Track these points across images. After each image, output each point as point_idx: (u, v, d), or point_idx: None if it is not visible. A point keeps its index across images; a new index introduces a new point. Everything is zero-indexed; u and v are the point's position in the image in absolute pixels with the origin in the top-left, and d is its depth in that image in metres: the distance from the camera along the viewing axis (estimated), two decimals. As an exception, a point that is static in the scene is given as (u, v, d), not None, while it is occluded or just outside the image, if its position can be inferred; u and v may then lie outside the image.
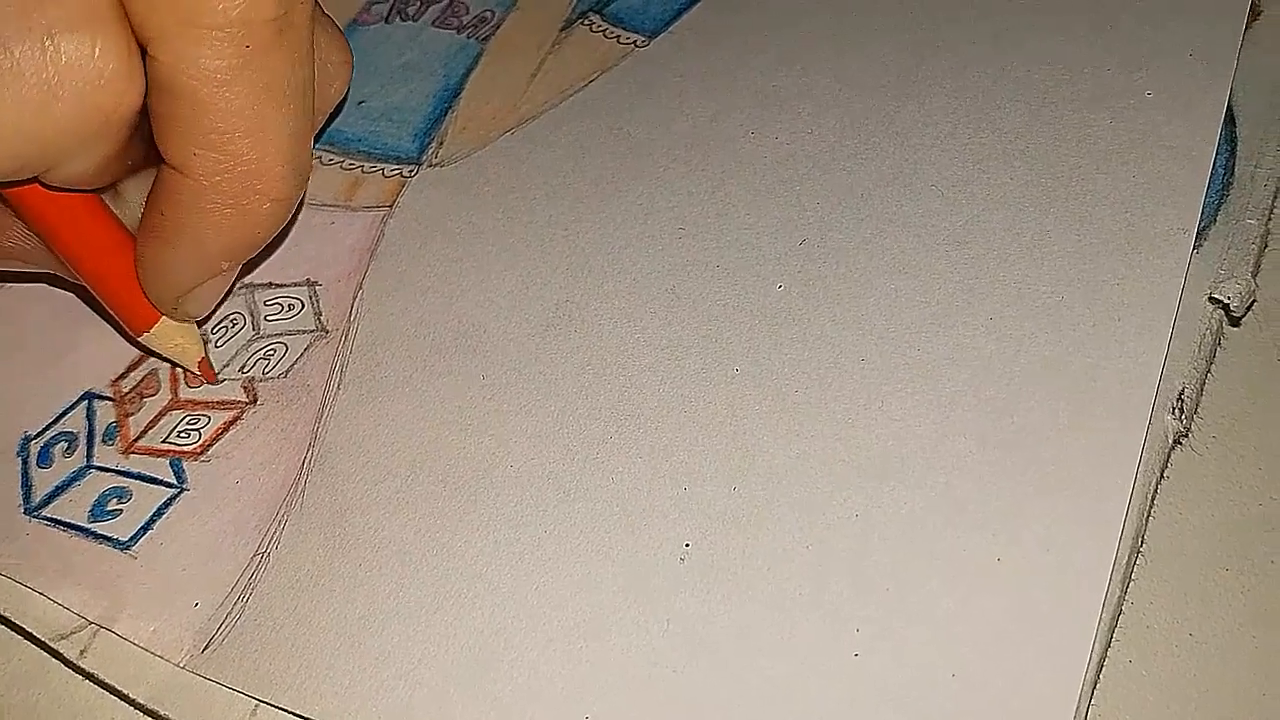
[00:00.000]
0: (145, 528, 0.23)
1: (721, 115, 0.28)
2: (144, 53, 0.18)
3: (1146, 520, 0.20)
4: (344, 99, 0.25)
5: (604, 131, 0.28)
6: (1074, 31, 0.27)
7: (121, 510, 0.23)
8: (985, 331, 0.23)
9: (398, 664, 0.20)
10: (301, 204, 0.27)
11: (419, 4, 0.32)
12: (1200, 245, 0.23)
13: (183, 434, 0.24)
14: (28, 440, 0.24)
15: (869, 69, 0.28)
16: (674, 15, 0.31)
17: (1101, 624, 0.19)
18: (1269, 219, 0.24)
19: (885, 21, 0.29)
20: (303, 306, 0.26)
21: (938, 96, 0.27)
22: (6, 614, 0.22)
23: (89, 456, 0.24)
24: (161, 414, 0.24)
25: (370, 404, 0.24)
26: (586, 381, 0.23)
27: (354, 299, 0.26)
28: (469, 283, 0.26)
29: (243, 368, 0.25)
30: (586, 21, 0.31)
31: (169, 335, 0.23)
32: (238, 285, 0.26)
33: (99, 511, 0.23)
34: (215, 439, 0.24)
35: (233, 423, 0.24)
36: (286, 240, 0.27)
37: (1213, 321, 0.22)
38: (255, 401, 0.24)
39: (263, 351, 0.25)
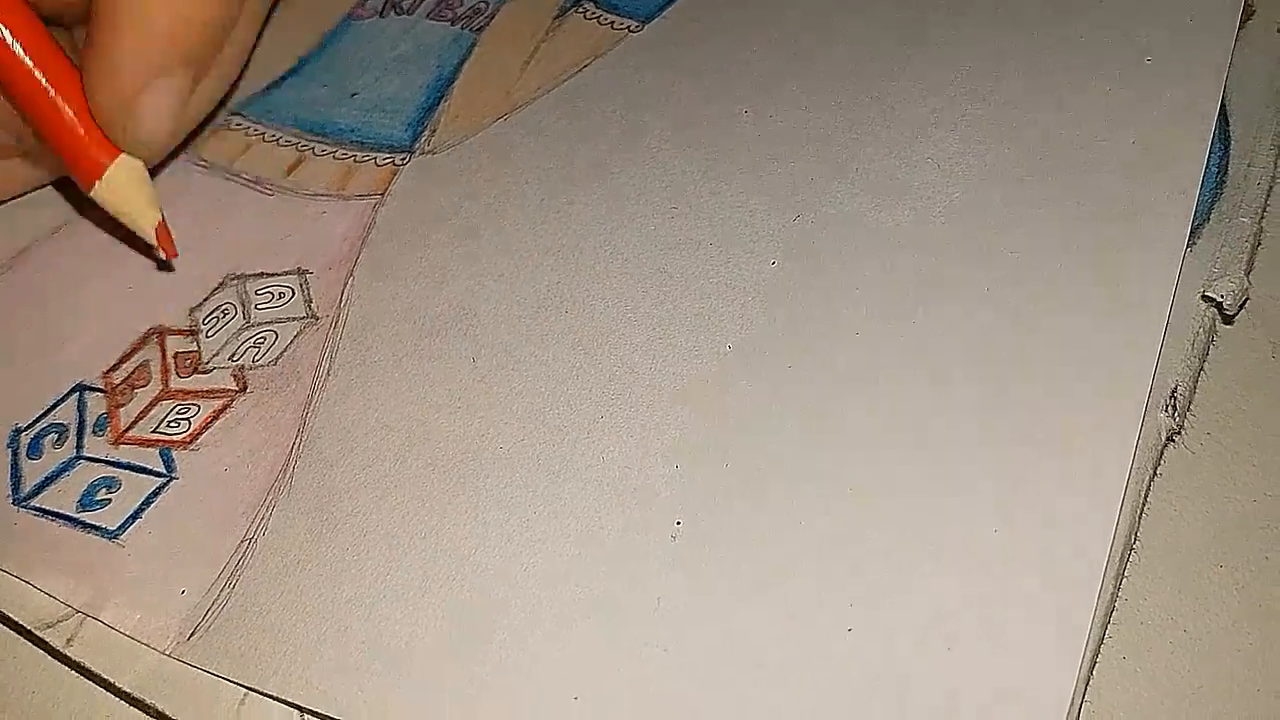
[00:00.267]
0: (133, 517, 0.22)
1: (715, 96, 0.27)
2: None
3: (1140, 517, 0.20)
4: None
5: (597, 115, 0.28)
6: None
7: (110, 500, 0.23)
8: (982, 303, 0.22)
9: (386, 647, 0.20)
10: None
11: (412, -4, 0.32)
12: (1194, 243, 0.23)
13: (173, 423, 0.24)
14: (18, 432, 0.24)
15: (863, 43, 0.28)
16: (668, 0, 0.30)
17: (1095, 620, 0.18)
18: (1262, 217, 0.23)
19: (880, -4, 0.29)
20: (293, 294, 0.25)
21: (933, 68, 0.26)
22: (-7, 604, 0.22)
23: (79, 447, 0.24)
24: (152, 404, 0.24)
25: (360, 389, 0.23)
26: (577, 361, 0.23)
27: (345, 285, 0.25)
28: (460, 267, 0.25)
29: (233, 356, 0.25)
30: (580, 9, 0.31)
31: (122, 186, 0.23)
32: (229, 277, 0.26)
33: (87, 501, 0.23)
34: (205, 428, 0.23)
35: (222, 411, 0.24)
36: (278, 229, 0.27)
37: (1206, 319, 0.22)
38: (245, 389, 0.24)
39: (253, 340, 0.25)
